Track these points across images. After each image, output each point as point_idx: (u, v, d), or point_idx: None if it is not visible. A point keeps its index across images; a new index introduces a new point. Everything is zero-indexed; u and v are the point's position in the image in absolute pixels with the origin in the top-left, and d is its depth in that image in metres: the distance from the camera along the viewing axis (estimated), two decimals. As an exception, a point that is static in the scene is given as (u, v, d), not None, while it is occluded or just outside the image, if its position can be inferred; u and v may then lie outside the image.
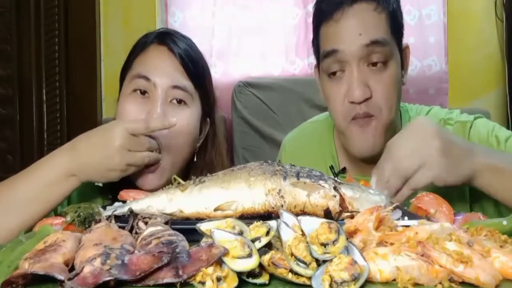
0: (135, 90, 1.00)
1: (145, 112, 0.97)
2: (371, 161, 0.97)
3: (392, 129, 1.01)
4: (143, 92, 0.99)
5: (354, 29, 0.98)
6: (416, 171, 0.80)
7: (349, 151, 1.05)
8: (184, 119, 0.99)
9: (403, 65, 1.06)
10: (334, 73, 1.00)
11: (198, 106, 1.03)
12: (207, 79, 1.07)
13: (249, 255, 0.47)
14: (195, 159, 1.06)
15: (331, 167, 1.09)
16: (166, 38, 1.04)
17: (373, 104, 0.98)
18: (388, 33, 0.99)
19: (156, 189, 0.89)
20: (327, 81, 1.03)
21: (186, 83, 1.00)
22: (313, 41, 1.09)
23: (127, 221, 0.62)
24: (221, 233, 0.50)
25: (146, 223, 0.60)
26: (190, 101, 1.01)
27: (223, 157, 1.13)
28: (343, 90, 0.99)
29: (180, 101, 0.99)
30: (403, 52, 1.05)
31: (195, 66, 1.03)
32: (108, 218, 0.64)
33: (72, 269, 0.48)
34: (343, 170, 1.09)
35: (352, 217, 0.62)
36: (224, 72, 2.41)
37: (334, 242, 0.48)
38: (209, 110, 1.08)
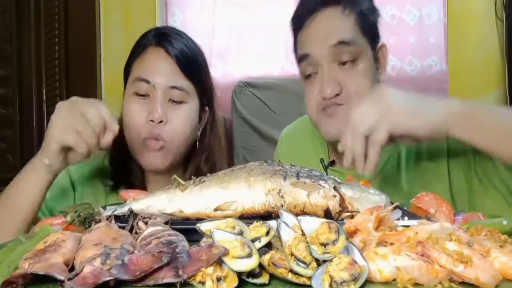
0: (136, 92, 1.08)
1: (146, 111, 1.06)
2: None
3: None
4: (144, 94, 1.07)
5: (322, 33, 1.05)
6: (374, 127, 0.80)
7: (323, 138, 1.12)
8: (183, 116, 1.08)
9: (380, 63, 1.10)
10: (309, 75, 1.08)
11: (195, 100, 1.11)
12: (203, 73, 1.14)
13: (249, 255, 0.46)
14: (197, 145, 1.14)
15: (322, 160, 1.15)
16: (163, 39, 1.10)
17: (343, 96, 1.03)
18: (358, 33, 1.05)
19: (159, 173, 1.04)
20: (304, 83, 1.11)
21: (183, 82, 1.08)
22: (293, 48, 1.15)
23: (127, 221, 0.62)
24: (221, 233, 0.50)
25: (146, 223, 0.60)
26: (188, 98, 1.09)
27: (221, 141, 1.20)
28: (316, 89, 1.05)
29: (178, 100, 1.07)
30: (379, 50, 1.10)
31: (191, 65, 1.10)
32: (108, 218, 0.64)
33: (72, 269, 0.48)
34: (332, 163, 1.14)
35: (352, 217, 0.62)
36: (224, 72, 2.41)
37: (334, 242, 0.48)
38: (207, 99, 1.15)
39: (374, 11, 1.10)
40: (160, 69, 1.07)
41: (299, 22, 1.09)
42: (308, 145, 1.22)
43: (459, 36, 2.37)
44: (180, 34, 1.15)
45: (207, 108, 1.15)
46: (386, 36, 2.67)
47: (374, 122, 0.80)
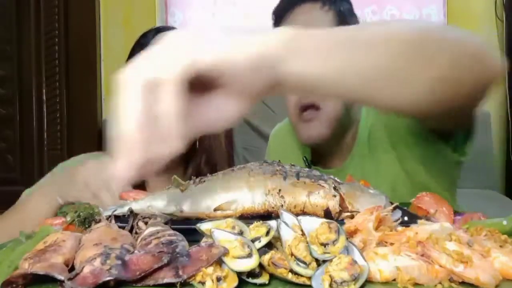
0: None
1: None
2: (332, 152, 1.10)
3: (343, 121, 1.07)
4: None
5: (301, 26, 1.04)
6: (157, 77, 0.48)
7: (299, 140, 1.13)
8: None
9: None
10: None
11: None
12: None
13: (249, 255, 0.46)
14: (197, 145, 1.15)
15: (305, 158, 1.16)
16: None
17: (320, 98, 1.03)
18: None
19: (164, 172, 1.01)
20: None
21: None
22: None
23: (127, 221, 0.62)
24: (221, 233, 0.50)
25: (146, 223, 0.60)
26: None
27: (221, 142, 1.22)
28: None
29: None
30: None
31: None
32: (108, 218, 0.64)
33: (72, 269, 0.48)
34: (312, 162, 1.17)
35: (352, 217, 0.62)
36: (224, 72, 2.41)
37: (334, 242, 0.48)
38: None
39: (352, 16, 1.12)
40: None
41: (279, 16, 1.11)
42: (293, 144, 1.24)
43: (459, 36, 2.37)
44: None
45: None
46: (386, 36, 2.67)
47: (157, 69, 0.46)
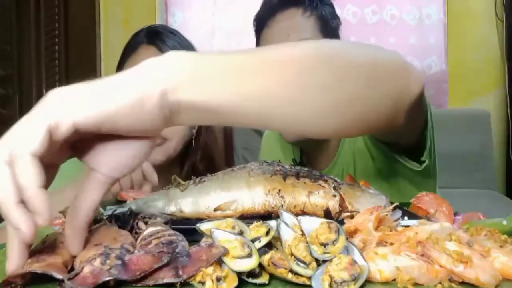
0: None
1: None
2: (318, 154, 1.13)
3: None
4: None
5: (284, 31, 1.07)
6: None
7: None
8: None
9: None
10: None
11: None
12: None
13: (249, 255, 0.46)
14: (193, 143, 1.16)
15: (294, 160, 1.19)
16: (155, 38, 1.10)
17: None
18: (318, 36, 1.08)
19: (156, 170, 0.99)
20: None
21: None
22: None
23: (127, 221, 0.62)
24: (221, 233, 0.50)
25: (146, 223, 0.60)
26: None
27: (217, 139, 1.23)
28: None
29: None
30: None
31: None
32: (108, 218, 0.64)
33: (72, 269, 0.48)
34: (301, 163, 1.20)
35: (352, 217, 0.62)
36: (224, 72, 2.41)
37: (334, 242, 0.48)
38: None
39: (335, 18, 1.13)
40: None
41: (261, 22, 1.11)
42: (283, 146, 1.25)
43: (459, 36, 2.38)
44: (173, 32, 1.15)
45: None
46: (386, 36, 2.70)
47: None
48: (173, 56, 0.49)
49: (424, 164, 0.92)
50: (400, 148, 0.93)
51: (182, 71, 0.48)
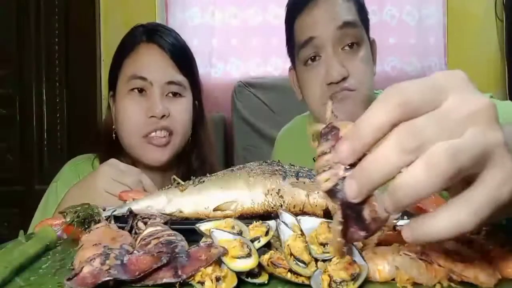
0: (132, 89, 1.08)
1: (145, 109, 1.06)
2: None
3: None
4: (140, 90, 1.07)
5: (327, 15, 1.06)
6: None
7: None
8: (182, 109, 1.10)
9: (373, 56, 1.13)
10: (313, 59, 1.06)
11: (190, 93, 1.13)
12: (194, 66, 1.16)
13: (248, 255, 0.46)
14: (189, 140, 1.16)
15: (315, 160, 1.13)
16: (154, 35, 1.11)
17: (351, 81, 1.03)
18: (357, 18, 1.08)
19: (154, 171, 1.03)
20: (304, 71, 1.09)
21: (179, 77, 1.09)
22: (287, 40, 1.16)
23: (126, 221, 0.62)
24: (220, 233, 0.50)
25: (145, 223, 0.60)
26: (184, 91, 1.11)
27: (210, 136, 1.23)
28: (321, 74, 1.05)
29: (175, 93, 1.09)
30: (372, 43, 1.13)
31: (184, 58, 1.12)
32: (108, 218, 0.64)
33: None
34: None
35: (351, 217, 0.62)
36: (224, 72, 2.42)
37: (333, 242, 0.48)
38: (197, 93, 1.18)
39: (365, 9, 1.14)
40: (156, 65, 1.08)
41: (299, 7, 1.10)
42: (304, 145, 1.22)
43: (459, 36, 2.37)
44: (168, 29, 1.17)
45: (196, 102, 1.17)
46: (386, 36, 2.69)
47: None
48: None
49: None
50: None
51: None
